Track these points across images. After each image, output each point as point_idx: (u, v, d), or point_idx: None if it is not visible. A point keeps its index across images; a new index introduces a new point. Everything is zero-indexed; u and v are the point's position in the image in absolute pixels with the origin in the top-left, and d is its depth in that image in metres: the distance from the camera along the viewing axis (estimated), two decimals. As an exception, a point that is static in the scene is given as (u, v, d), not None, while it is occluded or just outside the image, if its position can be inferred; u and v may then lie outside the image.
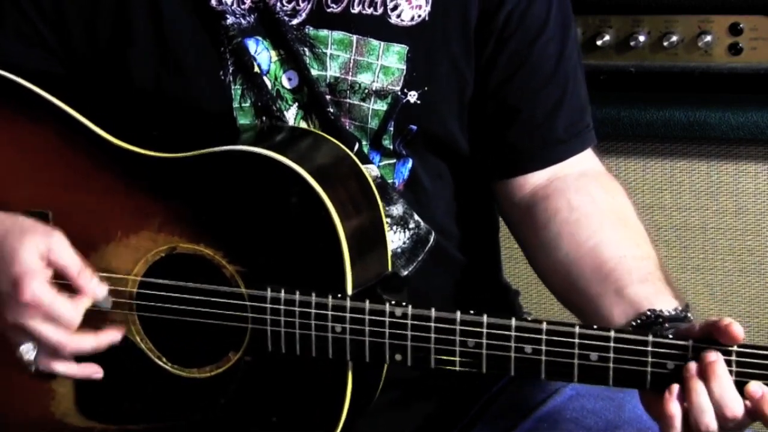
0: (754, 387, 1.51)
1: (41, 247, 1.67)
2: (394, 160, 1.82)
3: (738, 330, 1.50)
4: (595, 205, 1.77)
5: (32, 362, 1.70)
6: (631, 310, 1.64)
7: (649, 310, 1.62)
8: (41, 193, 1.75)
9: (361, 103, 1.78)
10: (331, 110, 1.77)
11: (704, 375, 1.51)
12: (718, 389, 1.50)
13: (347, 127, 1.79)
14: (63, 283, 1.68)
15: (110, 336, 1.71)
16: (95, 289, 1.68)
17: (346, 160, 1.73)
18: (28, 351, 1.69)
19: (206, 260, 1.68)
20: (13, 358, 1.70)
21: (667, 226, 2.42)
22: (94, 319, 1.71)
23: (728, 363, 1.51)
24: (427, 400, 1.88)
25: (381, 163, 1.81)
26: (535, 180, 1.83)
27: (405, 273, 1.81)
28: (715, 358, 1.51)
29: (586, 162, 1.85)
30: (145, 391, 1.74)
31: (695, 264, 2.42)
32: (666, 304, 1.63)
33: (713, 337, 1.52)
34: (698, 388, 1.51)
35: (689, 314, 1.63)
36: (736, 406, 1.50)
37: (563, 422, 1.78)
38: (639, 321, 1.62)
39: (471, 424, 1.87)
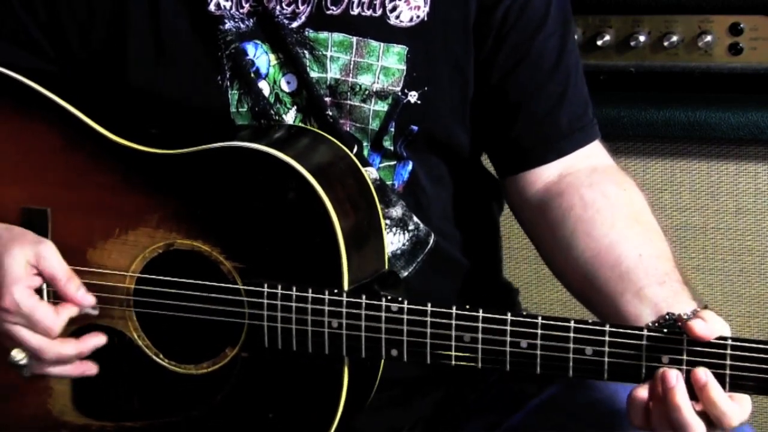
0: (700, 373, 1.52)
1: (29, 256, 1.69)
2: (395, 162, 1.82)
3: (700, 329, 1.52)
4: (607, 201, 1.77)
5: (24, 367, 1.71)
6: (649, 312, 1.64)
7: (668, 313, 1.61)
8: (40, 189, 1.75)
9: (362, 105, 1.78)
10: (330, 113, 1.77)
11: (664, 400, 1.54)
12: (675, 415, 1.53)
13: (348, 129, 1.79)
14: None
15: (93, 341, 1.72)
16: (81, 298, 1.70)
17: (344, 158, 1.73)
18: (19, 356, 1.70)
19: (203, 256, 1.69)
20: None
21: (667, 226, 2.38)
22: (90, 317, 1.72)
23: (722, 357, 1.51)
24: (424, 397, 1.88)
25: (381, 165, 1.81)
26: (545, 176, 1.82)
27: (405, 274, 1.81)
28: (673, 383, 1.52)
29: (596, 157, 1.84)
30: (142, 388, 1.74)
31: (695, 264, 2.41)
32: (684, 306, 1.62)
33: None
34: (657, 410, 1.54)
35: None
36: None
37: (556, 414, 1.78)
38: (658, 324, 1.60)
39: (465, 416, 1.87)
